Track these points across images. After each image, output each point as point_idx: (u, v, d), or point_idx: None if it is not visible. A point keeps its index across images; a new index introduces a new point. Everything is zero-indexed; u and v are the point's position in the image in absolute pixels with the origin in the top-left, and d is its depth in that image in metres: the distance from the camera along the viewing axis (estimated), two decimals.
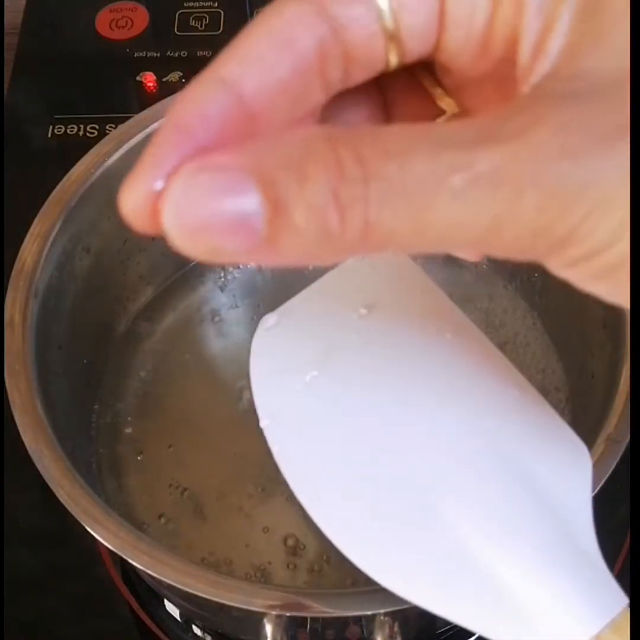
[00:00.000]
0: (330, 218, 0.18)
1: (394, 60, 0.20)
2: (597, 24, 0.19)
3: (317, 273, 0.39)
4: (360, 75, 0.21)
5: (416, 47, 0.20)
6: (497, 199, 0.18)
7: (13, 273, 0.41)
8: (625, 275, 0.19)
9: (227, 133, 0.20)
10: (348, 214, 0.18)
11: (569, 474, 0.32)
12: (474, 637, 0.46)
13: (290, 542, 0.44)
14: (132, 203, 0.19)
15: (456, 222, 0.19)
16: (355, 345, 0.36)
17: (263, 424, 0.35)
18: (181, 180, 0.18)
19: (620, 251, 0.19)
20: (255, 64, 0.20)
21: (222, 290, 0.53)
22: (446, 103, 0.20)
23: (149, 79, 0.66)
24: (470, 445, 0.33)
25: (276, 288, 0.53)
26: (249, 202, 0.18)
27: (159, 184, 0.19)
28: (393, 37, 0.20)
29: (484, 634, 0.30)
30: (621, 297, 0.20)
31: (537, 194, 0.18)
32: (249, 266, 0.54)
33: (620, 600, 0.29)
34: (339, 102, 0.22)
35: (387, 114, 0.23)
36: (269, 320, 0.37)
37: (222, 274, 0.53)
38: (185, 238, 0.19)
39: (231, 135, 0.20)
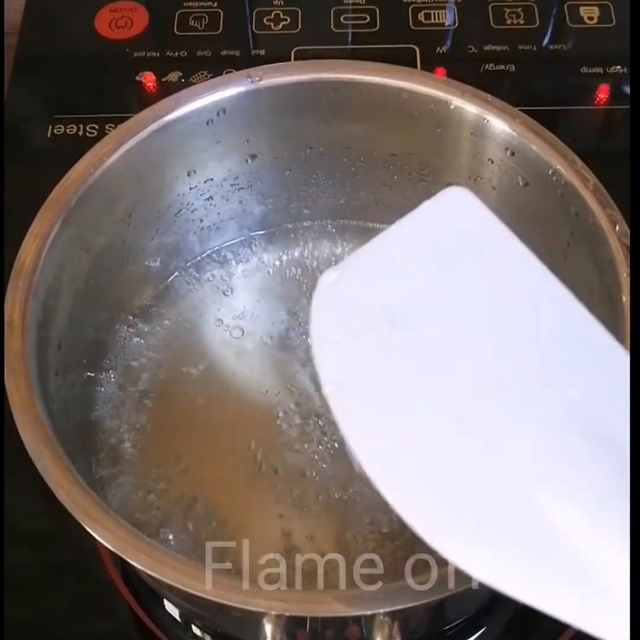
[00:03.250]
0: None
1: None
2: None
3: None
4: None
5: None
6: None
7: (12, 273, 0.41)
8: None
9: None
10: None
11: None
12: (473, 637, 0.47)
13: (289, 543, 0.44)
14: None
15: None
16: (424, 302, 0.33)
17: (327, 390, 0.32)
18: None
19: None
20: None
21: (222, 291, 0.53)
22: None
23: (148, 79, 0.66)
24: (540, 401, 0.31)
25: (276, 287, 0.53)
26: None
27: None
28: None
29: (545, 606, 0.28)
30: None
31: None
32: (249, 266, 0.54)
33: None
34: None
35: None
36: (330, 275, 0.34)
37: (222, 275, 0.54)
38: None
39: None
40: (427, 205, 0.35)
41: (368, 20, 0.69)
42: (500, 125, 0.46)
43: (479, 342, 0.32)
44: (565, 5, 0.70)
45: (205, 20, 0.69)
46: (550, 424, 0.30)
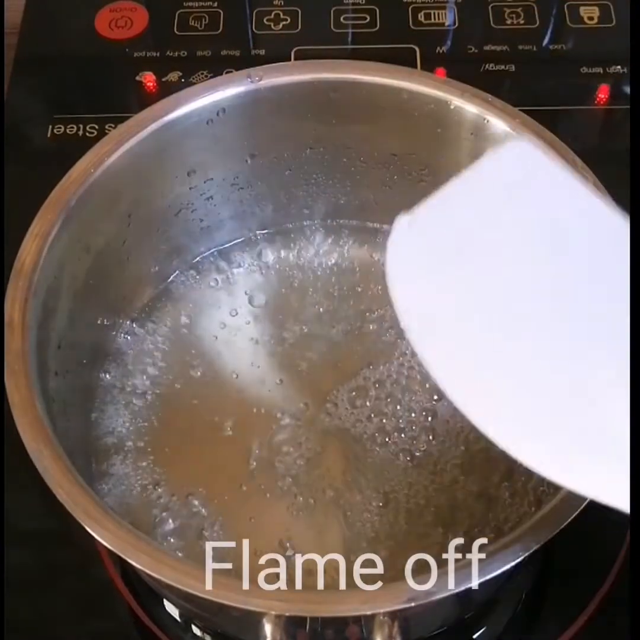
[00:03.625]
0: None
1: None
2: None
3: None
4: None
5: None
6: None
7: (12, 273, 0.41)
8: None
9: None
10: None
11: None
12: (473, 637, 0.47)
13: (289, 543, 0.44)
14: None
15: None
16: (491, 238, 0.36)
17: (404, 322, 0.35)
18: None
19: None
20: None
21: (222, 291, 0.53)
22: None
23: (148, 79, 0.66)
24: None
25: (276, 287, 0.53)
26: None
27: None
28: None
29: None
30: None
31: None
32: (249, 265, 0.54)
33: None
34: None
35: None
36: (404, 219, 0.37)
37: (222, 274, 0.54)
38: None
39: None
40: (490, 154, 0.39)
41: (368, 20, 0.69)
42: (500, 125, 0.46)
43: (539, 268, 0.35)
44: (565, 5, 0.70)
45: (205, 20, 0.69)
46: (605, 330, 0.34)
